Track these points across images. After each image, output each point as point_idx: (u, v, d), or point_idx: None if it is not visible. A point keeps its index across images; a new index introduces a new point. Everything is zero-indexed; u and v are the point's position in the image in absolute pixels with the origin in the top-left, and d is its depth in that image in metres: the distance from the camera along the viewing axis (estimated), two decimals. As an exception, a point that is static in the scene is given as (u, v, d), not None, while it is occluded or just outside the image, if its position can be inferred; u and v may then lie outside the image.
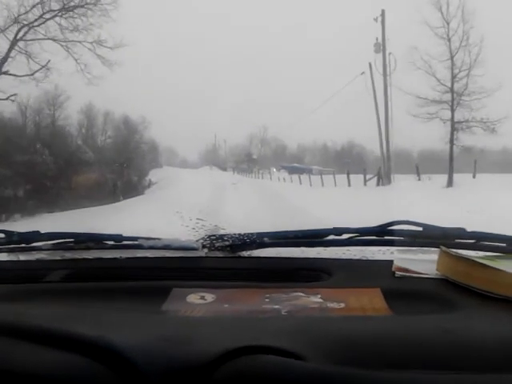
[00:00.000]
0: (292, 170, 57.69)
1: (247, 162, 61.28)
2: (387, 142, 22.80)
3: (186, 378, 0.62)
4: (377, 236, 1.15)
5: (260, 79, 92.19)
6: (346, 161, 63.75)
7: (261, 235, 1.17)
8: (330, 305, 0.88)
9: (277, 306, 0.87)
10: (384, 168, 22.83)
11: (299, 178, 30.27)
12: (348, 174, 24.54)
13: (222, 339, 0.66)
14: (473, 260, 0.93)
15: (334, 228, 1.17)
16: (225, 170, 59.93)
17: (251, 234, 1.17)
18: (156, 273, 1.08)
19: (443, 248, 0.99)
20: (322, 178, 27.54)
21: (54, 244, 1.20)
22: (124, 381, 0.61)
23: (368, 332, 0.71)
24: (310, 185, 26.94)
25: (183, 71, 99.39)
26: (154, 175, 47.17)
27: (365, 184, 23.50)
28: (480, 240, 1.12)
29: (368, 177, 23.44)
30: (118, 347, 0.64)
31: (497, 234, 1.12)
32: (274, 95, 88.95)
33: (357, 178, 24.02)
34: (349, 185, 23.94)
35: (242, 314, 0.84)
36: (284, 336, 0.67)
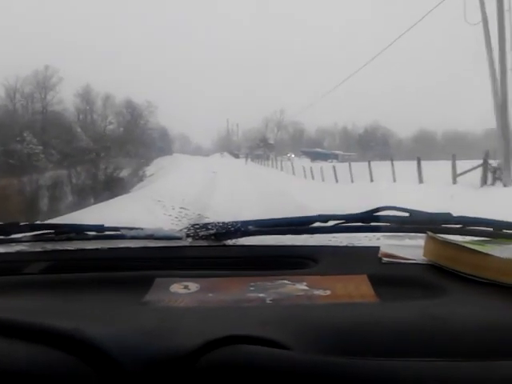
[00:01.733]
0: (314, 156, 49.42)
1: (263, 147, 52.64)
2: (504, 108, 13.64)
3: (166, 369, 0.62)
4: (363, 222, 1.16)
5: (275, 59, 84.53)
6: (371, 144, 57.13)
7: (246, 223, 1.17)
8: (316, 292, 0.88)
9: (262, 295, 0.87)
10: (505, 154, 13.29)
11: (321, 171, 24.48)
12: (419, 163, 16.18)
13: (204, 329, 0.66)
14: (460, 245, 0.95)
15: (320, 215, 1.18)
16: (237, 156, 51.16)
17: (236, 222, 1.17)
18: (139, 263, 1.08)
19: (430, 233, 1.00)
20: (350, 168, 21.06)
21: (34, 235, 1.20)
22: (101, 374, 0.62)
23: (355, 319, 0.72)
24: (352, 181, 20.33)
25: (195, 53, 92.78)
26: (157, 164, 43.23)
27: (454, 182, 14.60)
28: (467, 225, 1.14)
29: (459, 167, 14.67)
30: (95, 340, 0.64)
31: (483, 219, 1.14)
32: (289, 76, 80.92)
33: (425, 169, 15.83)
34: (420, 181, 15.80)
35: (227, 303, 0.84)
36: (268, 325, 0.67)
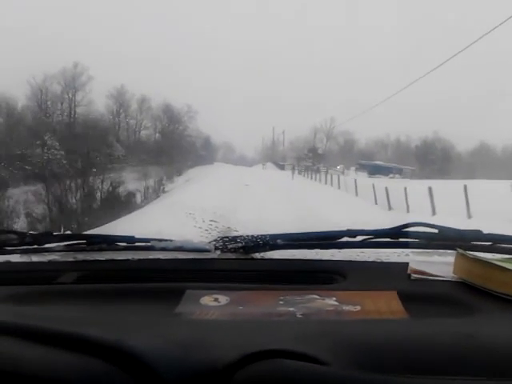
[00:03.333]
0: (373, 170, 41.39)
1: (312, 158, 45.05)
2: None
3: (203, 381, 0.63)
4: (391, 238, 1.18)
5: (325, 65, 78.15)
6: (430, 158, 51.77)
7: (274, 237, 1.20)
8: (346, 308, 0.90)
9: (292, 309, 0.89)
10: None
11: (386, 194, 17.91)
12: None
13: (238, 343, 0.68)
14: (490, 262, 0.97)
15: (348, 230, 1.21)
16: (282, 168, 43.83)
17: (264, 235, 1.20)
18: (169, 274, 1.12)
19: (459, 250, 1.02)
20: (431, 194, 15.18)
21: (66, 245, 1.25)
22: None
23: (386, 335, 0.73)
24: (434, 212, 14.35)
25: (241, 58, 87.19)
26: (189, 174, 38.73)
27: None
28: (497, 242, 1.15)
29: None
30: (135, 351, 0.66)
31: None
32: (341, 83, 74.16)
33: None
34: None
35: (257, 317, 0.87)
36: (302, 340, 0.69)
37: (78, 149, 38.57)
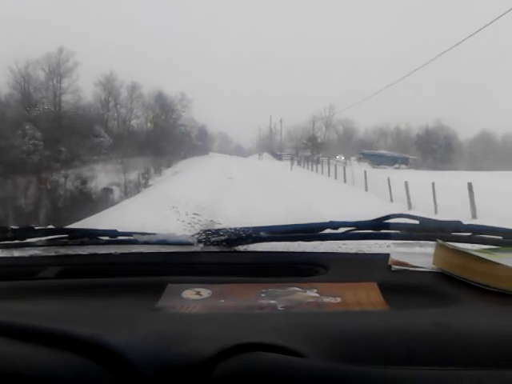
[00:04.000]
0: (377, 160, 38.24)
1: (311, 147, 41.99)
2: None
3: (183, 376, 0.65)
4: (373, 229, 1.21)
5: (323, 53, 75.39)
6: (433, 147, 48.72)
7: (257, 229, 1.22)
8: (327, 299, 0.92)
9: (273, 301, 0.91)
10: None
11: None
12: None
13: (219, 336, 0.70)
14: (469, 253, 0.99)
15: (331, 222, 1.23)
16: (279, 158, 40.76)
17: (247, 228, 1.22)
18: (151, 268, 1.14)
19: (439, 241, 1.05)
20: None
21: (48, 240, 1.26)
22: (120, 380, 0.65)
23: (365, 327, 0.75)
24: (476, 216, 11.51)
25: (235, 45, 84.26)
26: (179, 166, 35.55)
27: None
28: (476, 233, 1.18)
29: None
30: (114, 346, 0.67)
31: (493, 227, 1.19)
32: (339, 70, 71.42)
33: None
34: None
35: (239, 310, 0.89)
36: (281, 333, 0.71)
37: (62, 139, 35.62)
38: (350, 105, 55.77)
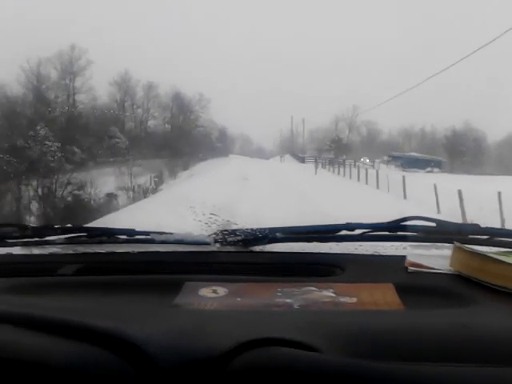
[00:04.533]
0: (408, 163, 35.67)
1: (335, 149, 39.73)
2: None
3: (199, 370, 0.66)
4: (389, 231, 1.22)
5: (345, 52, 73.02)
6: (461, 149, 45.99)
7: (273, 230, 1.24)
8: (343, 299, 0.93)
9: (289, 300, 0.92)
10: None
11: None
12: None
13: (235, 332, 0.71)
14: (487, 255, 1.00)
15: (347, 223, 1.24)
16: (302, 160, 38.39)
17: (263, 228, 1.24)
18: (168, 267, 1.15)
19: (457, 243, 1.05)
20: None
21: (66, 238, 1.29)
22: (139, 372, 0.66)
23: (382, 325, 0.76)
24: None
25: (257, 44, 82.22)
26: (197, 168, 33.17)
27: None
28: (494, 236, 1.18)
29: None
30: (134, 339, 0.69)
31: (510, 230, 1.20)
32: (363, 70, 69.03)
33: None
34: None
35: (255, 308, 0.90)
36: (297, 329, 0.72)
37: (76, 140, 33.79)
38: (373, 105, 53.29)
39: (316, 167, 33.98)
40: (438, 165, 40.26)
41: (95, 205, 22.59)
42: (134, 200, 22.46)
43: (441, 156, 46.82)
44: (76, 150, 34.82)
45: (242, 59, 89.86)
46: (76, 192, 23.52)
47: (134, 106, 42.99)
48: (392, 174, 22.50)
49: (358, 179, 26.13)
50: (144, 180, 26.30)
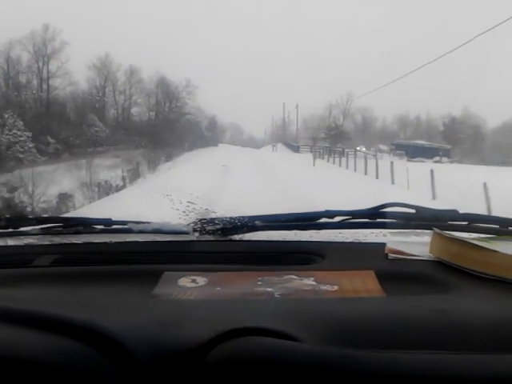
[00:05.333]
0: (414, 152, 32.44)
1: (331, 137, 36.22)
2: None
3: (178, 360, 0.67)
4: (369, 219, 1.23)
5: (340, 34, 69.75)
6: (460, 137, 43.23)
7: (252, 218, 1.24)
8: (323, 287, 0.94)
9: (270, 289, 0.93)
10: None
11: None
12: None
13: (214, 321, 0.71)
14: (466, 241, 1.02)
15: (327, 211, 1.25)
16: (296, 149, 34.82)
17: (242, 217, 1.24)
18: (146, 257, 1.16)
19: (436, 230, 1.07)
20: None
21: (42, 228, 1.29)
22: (115, 364, 0.66)
23: (362, 313, 0.78)
24: None
25: (246, 29, 78.75)
26: (181, 158, 29.75)
27: None
28: (473, 222, 1.20)
29: None
30: (109, 330, 0.68)
31: (489, 216, 1.29)
32: (357, 56, 65.86)
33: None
34: None
35: (235, 297, 0.92)
36: (278, 318, 0.73)
37: (50, 129, 30.33)
38: (368, 91, 50.49)
39: (314, 158, 29.35)
40: (446, 154, 37.61)
41: (32, 211, 18.90)
42: (94, 200, 19.04)
43: (437, 143, 44.14)
44: (50, 139, 31.54)
45: (233, 45, 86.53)
46: (7, 195, 20.03)
47: (116, 92, 40.05)
48: (400, 164, 19.47)
49: (365, 172, 21.78)
50: (117, 173, 22.99)
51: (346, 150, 32.68)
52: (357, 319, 0.74)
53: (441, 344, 0.67)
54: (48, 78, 37.22)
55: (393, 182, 17.22)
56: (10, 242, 1.25)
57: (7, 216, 1.30)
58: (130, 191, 17.55)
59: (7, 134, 28.28)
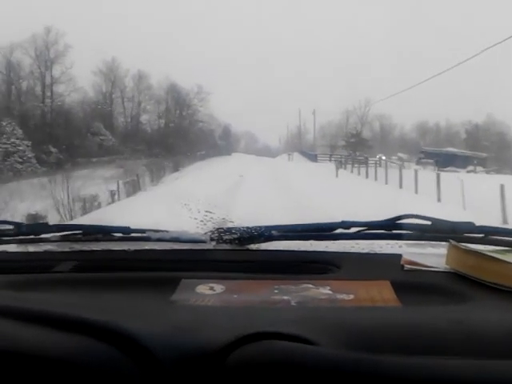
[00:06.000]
0: (445, 161, 29.41)
1: (353, 144, 33.44)
2: None
3: (198, 364, 0.69)
4: (385, 230, 1.24)
5: (357, 40, 67.39)
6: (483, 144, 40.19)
7: (269, 228, 1.26)
8: (340, 296, 0.95)
9: (286, 297, 0.95)
10: None
11: None
12: None
13: (233, 326, 0.73)
14: (482, 253, 1.03)
15: (343, 221, 1.26)
16: (314, 159, 31.85)
17: (259, 227, 1.26)
18: (164, 264, 1.18)
19: (452, 242, 1.08)
20: None
21: (62, 236, 1.32)
22: (138, 365, 0.68)
23: (378, 321, 0.79)
24: None
25: (261, 34, 76.62)
26: (190, 169, 27.00)
27: None
28: (489, 234, 1.20)
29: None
30: (135, 334, 0.71)
31: (505, 229, 1.24)
32: (375, 57, 63.34)
33: None
34: None
35: (252, 304, 0.93)
36: (295, 324, 0.74)
37: (53, 138, 28.33)
38: (385, 96, 48.12)
39: (337, 169, 25.65)
40: (482, 163, 34.81)
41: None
42: (66, 220, 16.44)
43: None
44: (52, 149, 29.35)
45: (246, 53, 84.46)
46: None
47: (124, 99, 37.85)
48: (426, 174, 16.87)
49: (401, 186, 18.60)
50: (114, 187, 20.40)
51: (370, 158, 30.44)
52: (373, 327, 0.75)
53: (457, 353, 0.68)
54: (51, 84, 35.53)
55: (439, 200, 14.03)
56: (31, 248, 1.28)
57: (27, 223, 1.31)
58: (115, 207, 15.28)
59: (5, 143, 26.26)
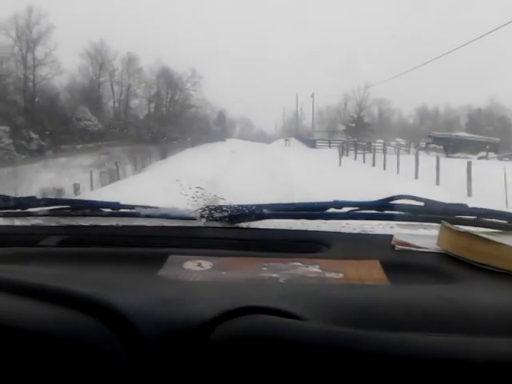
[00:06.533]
0: (454, 146, 26.71)
1: (353, 129, 30.97)
2: None
3: (182, 337, 0.68)
4: (377, 210, 1.24)
5: (355, 26, 65.23)
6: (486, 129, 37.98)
7: (260, 207, 1.26)
8: (329, 274, 0.97)
9: (275, 275, 0.97)
10: None
11: None
12: None
13: (219, 301, 0.73)
14: (474, 234, 1.05)
15: (335, 201, 1.26)
16: (313, 145, 29.25)
17: (250, 205, 1.26)
18: (153, 240, 1.19)
19: (444, 223, 1.09)
20: None
21: (50, 210, 1.31)
22: (121, 337, 0.67)
23: (367, 298, 0.80)
24: None
25: (255, 15, 74.19)
26: (178, 157, 24.11)
27: None
28: (481, 216, 1.21)
29: None
30: (115, 305, 0.70)
31: (498, 211, 1.23)
32: (374, 45, 61.35)
33: None
34: None
35: (240, 280, 0.95)
36: (283, 299, 0.74)
37: (34, 124, 26.40)
38: (384, 79, 46.47)
39: (340, 156, 22.34)
40: (494, 148, 31.87)
41: None
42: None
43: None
44: (33, 135, 27.22)
45: (241, 36, 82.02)
46: None
47: (113, 83, 35.69)
48: (444, 162, 14.92)
49: (416, 176, 16.00)
50: (88, 177, 18.40)
51: (373, 144, 27.92)
52: (362, 303, 0.75)
53: (447, 329, 0.68)
54: (34, 67, 33.50)
55: (470, 195, 11.56)
56: (17, 222, 1.28)
57: (14, 196, 1.31)
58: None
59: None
